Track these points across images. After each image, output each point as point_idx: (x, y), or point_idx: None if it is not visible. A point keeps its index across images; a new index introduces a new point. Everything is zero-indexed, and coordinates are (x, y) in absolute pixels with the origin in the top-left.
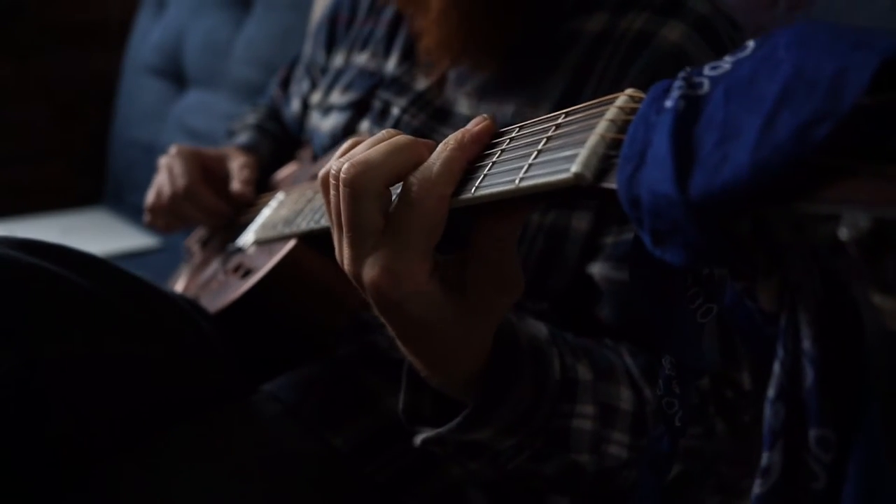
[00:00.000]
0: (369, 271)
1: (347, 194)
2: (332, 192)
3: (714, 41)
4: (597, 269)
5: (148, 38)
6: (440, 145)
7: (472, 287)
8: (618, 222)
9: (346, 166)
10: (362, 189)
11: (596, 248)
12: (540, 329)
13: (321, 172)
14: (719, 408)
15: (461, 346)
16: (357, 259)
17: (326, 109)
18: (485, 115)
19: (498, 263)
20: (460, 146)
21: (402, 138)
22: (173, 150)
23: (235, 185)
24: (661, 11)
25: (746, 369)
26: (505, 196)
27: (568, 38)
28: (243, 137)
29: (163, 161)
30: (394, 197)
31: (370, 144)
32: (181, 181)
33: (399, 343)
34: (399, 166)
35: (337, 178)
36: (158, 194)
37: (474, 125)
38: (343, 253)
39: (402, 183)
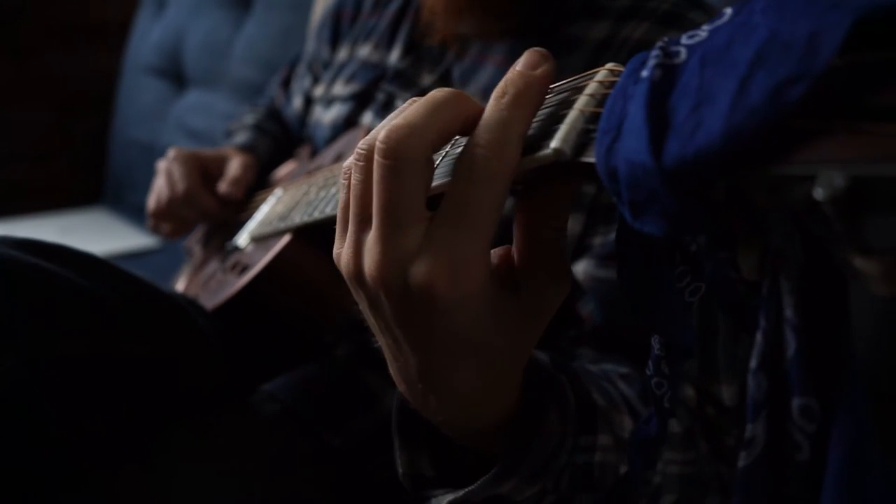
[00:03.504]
0: (419, 271)
1: (387, 168)
2: (357, 175)
3: None
4: (581, 266)
5: (148, 38)
6: (492, 103)
7: (523, 283)
8: (605, 222)
9: (383, 135)
10: (407, 158)
11: (583, 248)
12: (540, 354)
13: (346, 162)
14: (702, 427)
15: (504, 373)
16: (393, 257)
17: (329, 101)
18: (541, 49)
19: (551, 248)
20: (521, 102)
21: (440, 92)
22: (171, 153)
23: (222, 185)
24: (662, 22)
25: (725, 382)
26: None
27: (571, 43)
28: (241, 137)
29: (161, 165)
30: (437, 172)
31: (402, 109)
32: (181, 185)
33: (419, 381)
34: (446, 126)
35: (369, 155)
36: (158, 199)
37: (531, 67)
38: (367, 254)
39: (454, 153)
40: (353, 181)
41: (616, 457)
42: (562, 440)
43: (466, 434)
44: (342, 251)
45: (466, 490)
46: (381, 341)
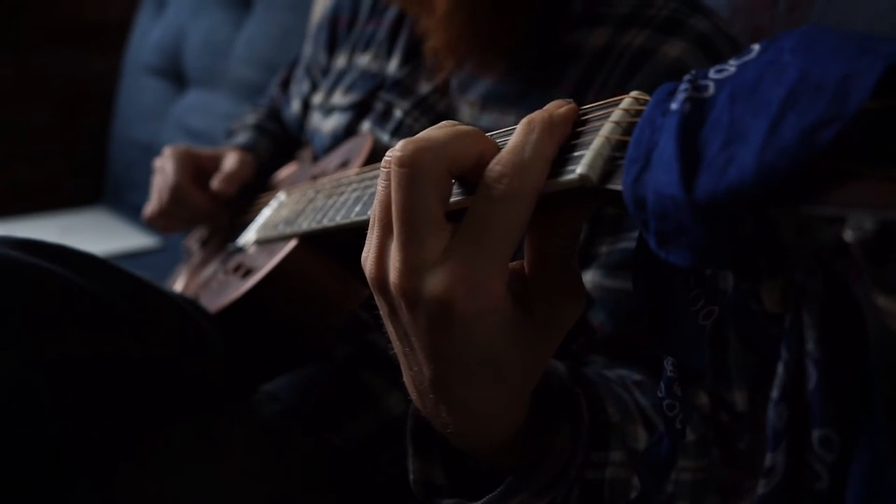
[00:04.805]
0: (437, 283)
1: (404, 176)
2: (381, 181)
3: (715, 58)
4: (589, 276)
5: (148, 37)
6: (521, 128)
7: (537, 299)
8: (611, 231)
9: (401, 144)
10: (422, 169)
11: (589, 257)
12: (558, 365)
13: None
14: (715, 434)
15: (516, 389)
16: (414, 267)
17: (328, 110)
18: (568, 100)
19: (562, 265)
20: (550, 128)
21: (464, 127)
22: (166, 151)
23: (214, 181)
24: (662, 29)
25: (738, 389)
26: None
27: (570, 51)
28: (241, 137)
29: (157, 163)
30: (455, 192)
31: (428, 130)
32: (171, 181)
33: (431, 392)
34: (463, 153)
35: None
36: (154, 195)
37: (557, 107)
38: (390, 261)
39: (477, 173)
40: (378, 188)
41: (628, 472)
42: (572, 456)
43: (476, 447)
44: (367, 256)
45: (483, 500)
46: (397, 349)
